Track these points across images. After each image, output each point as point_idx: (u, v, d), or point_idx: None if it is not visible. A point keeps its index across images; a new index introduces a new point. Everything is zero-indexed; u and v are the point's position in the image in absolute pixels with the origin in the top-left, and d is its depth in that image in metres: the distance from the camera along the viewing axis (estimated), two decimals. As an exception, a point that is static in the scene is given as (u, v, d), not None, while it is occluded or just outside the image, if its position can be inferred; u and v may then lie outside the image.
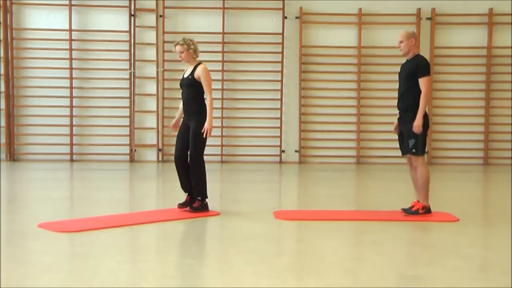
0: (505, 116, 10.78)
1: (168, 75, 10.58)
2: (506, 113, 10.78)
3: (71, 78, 10.47)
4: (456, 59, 10.74)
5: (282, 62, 10.66)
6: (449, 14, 10.71)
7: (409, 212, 5.73)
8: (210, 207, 5.84)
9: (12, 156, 10.53)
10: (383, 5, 10.70)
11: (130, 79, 10.56)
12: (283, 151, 10.80)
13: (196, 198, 5.79)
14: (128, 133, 10.66)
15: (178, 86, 5.98)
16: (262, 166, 10.29)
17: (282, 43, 10.62)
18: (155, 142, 10.69)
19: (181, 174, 5.83)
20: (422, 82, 5.58)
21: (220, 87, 10.55)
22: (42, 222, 5.17)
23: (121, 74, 10.58)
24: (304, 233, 5.19)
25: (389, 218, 5.65)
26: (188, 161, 5.74)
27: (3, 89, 10.42)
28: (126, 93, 10.60)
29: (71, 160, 10.59)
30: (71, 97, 10.49)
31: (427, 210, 5.70)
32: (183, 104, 5.86)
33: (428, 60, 5.92)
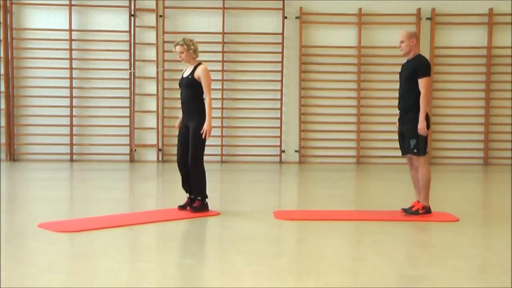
0: (505, 116, 10.78)
1: (168, 75, 10.58)
2: (506, 113, 10.78)
3: (71, 78, 10.47)
4: (456, 59, 10.74)
5: (282, 62, 10.66)
6: (449, 14, 10.71)
7: (409, 212, 5.73)
8: (210, 207, 5.84)
9: (12, 156, 10.53)
10: (383, 5, 10.70)
11: (130, 79, 10.56)
12: (283, 151, 10.80)
13: (196, 199, 5.79)
14: (128, 133, 10.66)
15: (178, 86, 5.96)
16: (262, 166, 10.29)
17: (282, 43, 10.62)
18: (155, 142, 10.69)
19: (183, 175, 5.83)
20: (422, 82, 5.58)
21: (220, 87, 10.55)
22: (42, 222, 5.17)
23: (121, 74, 10.58)
24: (304, 233, 5.19)
25: (389, 218, 5.65)
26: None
27: (3, 89, 10.42)
28: (126, 93, 10.60)
29: (71, 160, 10.59)
30: (71, 97, 10.49)
31: (427, 210, 5.70)
32: (182, 104, 5.84)
33: (429, 61, 5.91)
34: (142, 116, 10.72)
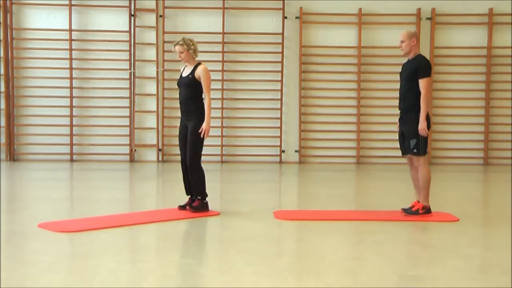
0: (505, 116, 10.78)
1: (168, 75, 10.57)
2: (506, 113, 10.77)
3: (71, 78, 10.47)
4: (456, 59, 10.74)
5: (282, 62, 10.66)
6: (449, 14, 10.71)
7: (409, 212, 5.73)
8: (210, 207, 5.83)
9: (12, 156, 10.53)
10: (383, 5, 10.69)
11: (130, 79, 10.56)
12: (283, 151, 10.80)
13: (196, 198, 5.79)
14: (128, 133, 10.66)
15: (177, 86, 5.93)
16: (262, 166, 10.28)
17: (282, 43, 10.62)
18: (155, 142, 10.69)
19: (186, 176, 5.82)
20: (422, 83, 5.58)
21: (220, 87, 10.55)
22: (42, 222, 5.17)
23: (121, 74, 10.57)
24: (304, 233, 5.19)
25: (389, 218, 5.65)
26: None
27: (3, 89, 10.42)
28: (126, 93, 10.60)
29: (71, 160, 10.59)
30: (71, 97, 10.49)
31: (427, 210, 5.70)
32: (181, 104, 5.82)
33: (430, 61, 5.90)
34: (142, 116, 10.72)
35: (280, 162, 10.76)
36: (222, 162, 10.70)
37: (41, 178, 8.84)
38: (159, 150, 10.66)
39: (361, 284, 3.64)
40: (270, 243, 4.72)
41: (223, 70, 10.62)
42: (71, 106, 10.50)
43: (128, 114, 10.62)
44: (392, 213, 5.83)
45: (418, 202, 5.74)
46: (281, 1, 10.57)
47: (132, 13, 10.49)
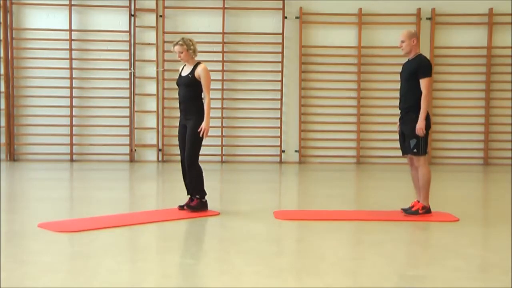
0: (505, 116, 10.78)
1: (168, 75, 10.57)
2: (506, 113, 10.77)
3: (71, 78, 10.47)
4: (456, 59, 10.74)
5: (282, 62, 10.65)
6: (449, 14, 10.71)
7: (409, 212, 5.73)
8: (210, 207, 5.83)
9: (12, 156, 10.53)
10: (383, 5, 10.69)
11: (130, 79, 10.56)
12: (283, 151, 10.80)
13: (194, 197, 5.78)
14: (128, 133, 10.66)
15: (176, 85, 5.93)
16: (262, 166, 10.28)
17: (282, 43, 10.62)
18: (155, 142, 10.68)
19: (186, 175, 5.82)
20: (423, 83, 5.58)
21: (220, 87, 10.55)
22: (42, 222, 5.17)
23: (121, 74, 10.57)
24: (304, 233, 5.19)
25: (389, 218, 5.65)
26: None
27: (3, 89, 10.42)
28: (126, 93, 10.59)
29: (71, 160, 10.59)
30: (71, 97, 10.49)
31: (427, 210, 5.70)
32: (180, 103, 5.82)
33: (430, 61, 5.90)
34: (142, 116, 10.72)
35: (280, 162, 10.76)
36: (222, 162, 10.70)
37: (41, 178, 8.84)
38: (159, 150, 10.66)
39: (361, 284, 3.64)
40: (270, 243, 4.72)
41: (223, 70, 10.62)
42: (71, 106, 10.50)
43: (128, 114, 10.62)
44: (392, 213, 5.83)
45: (418, 202, 5.74)
46: (281, 1, 10.57)
47: (132, 13, 10.49)
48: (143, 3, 10.60)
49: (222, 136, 10.69)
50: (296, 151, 10.79)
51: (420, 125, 5.55)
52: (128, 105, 10.60)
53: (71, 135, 10.56)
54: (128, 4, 10.48)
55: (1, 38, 10.34)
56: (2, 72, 10.41)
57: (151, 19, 10.60)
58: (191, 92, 5.72)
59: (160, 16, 10.53)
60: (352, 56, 10.73)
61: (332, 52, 10.72)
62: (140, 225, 5.21)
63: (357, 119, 10.77)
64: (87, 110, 10.65)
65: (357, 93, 10.73)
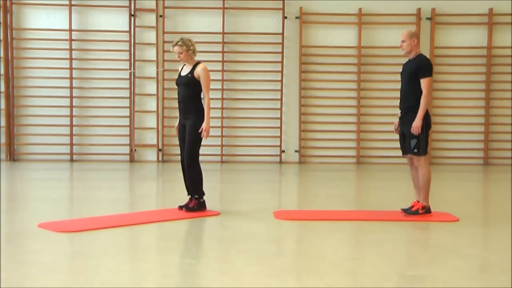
0: (505, 116, 10.78)
1: (168, 75, 10.57)
2: (506, 113, 10.77)
3: (71, 78, 10.47)
4: (456, 59, 10.74)
5: (282, 62, 10.65)
6: (449, 14, 10.71)
7: (409, 212, 5.73)
8: (210, 207, 5.83)
9: (12, 156, 10.53)
10: (383, 5, 10.69)
11: (130, 79, 10.56)
12: (283, 151, 10.80)
13: (193, 197, 5.78)
14: (128, 133, 10.66)
15: (176, 85, 5.93)
16: (262, 166, 10.28)
17: (282, 43, 10.62)
18: (155, 142, 10.68)
19: (185, 175, 5.82)
20: (423, 82, 5.58)
21: (220, 87, 10.55)
22: (42, 222, 5.17)
23: (121, 74, 10.57)
24: (304, 233, 5.19)
25: (389, 218, 5.65)
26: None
27: (3, 89, 10.42)
28: (126, 93, 10.59)
29: (71, 160, 10.59)
30: (71, 97, 10.49)
31: (427, 210, 5.70)
32: (179, 103, 5.81)
33: (431, 61, 5.90)
34: (142, 116, 10.72)
35: (280, 162, 10.76)
36: (222, 162, 10.70)
37: (41, 178, 8.84)
38: (159, 150, 10.66)
39: (361, 284, 3.64)
40: (270, 243, 4.72)
41: (223, 70, 10.62)
42: (71, 106, 10.50)
43: (128, 114, 10.62)
44: (392, 213, 5.83)
45: (418, 202, 5.73)
46: (281, 1, 10.57)
47: (132, 13, 10.49)
48: (143, 3, 10.60)
49: (222, 136, 10.68)
50: (296, 151, 10.79)
51: (416, 123, 5.54)
52: (128, 105, 10.61)
53: (71, 135, 10.56)
54: (128, 4, 10.48)
55: (1, 38, 10.34)
56: (2, 72, 10.41)
57: (151, 19, 10.60)
58: (190, 92, 5.72)
59: (160, 16, 10.53)
60: (352, 56, 10.73)
61: (332, 52, 10.72)
62: (140, 225, 5.21)
63: (357, 119, 10.76)
64: (87, 110, 10.65)
65: (357, 93, 10.73)
